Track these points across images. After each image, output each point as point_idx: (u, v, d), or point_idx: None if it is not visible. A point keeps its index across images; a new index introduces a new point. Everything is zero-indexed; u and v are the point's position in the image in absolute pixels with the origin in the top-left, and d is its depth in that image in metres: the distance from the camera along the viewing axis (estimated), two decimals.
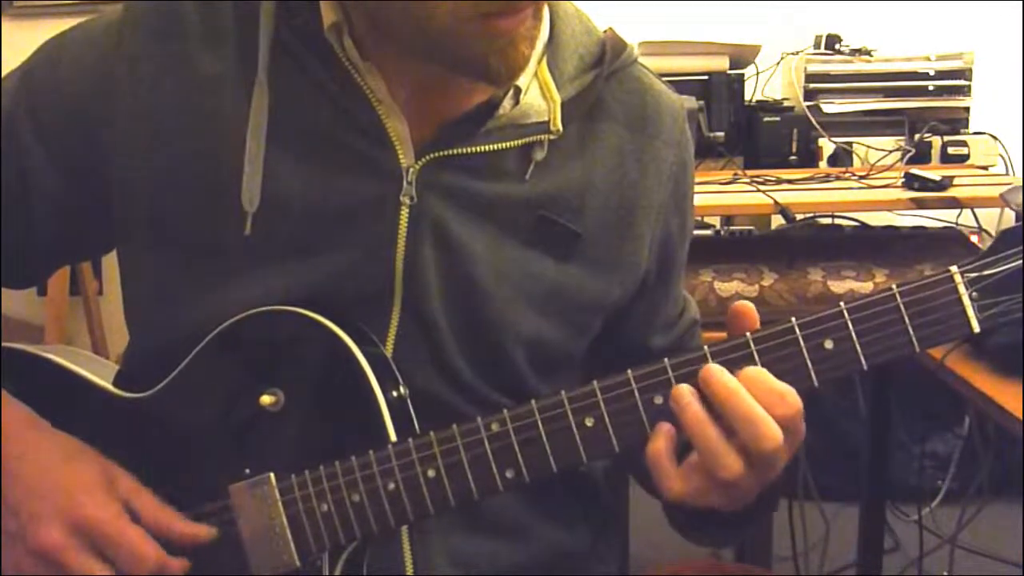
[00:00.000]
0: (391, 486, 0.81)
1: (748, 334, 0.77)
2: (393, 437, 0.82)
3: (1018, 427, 1.22)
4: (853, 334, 0.76)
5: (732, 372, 0.76)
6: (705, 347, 0.78)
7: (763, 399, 0.74)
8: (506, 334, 0.89)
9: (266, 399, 0.84)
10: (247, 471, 0.85)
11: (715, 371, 0.76)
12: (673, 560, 2.39)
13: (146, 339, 0.94)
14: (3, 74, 0.94)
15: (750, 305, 0.79)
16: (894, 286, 0.76)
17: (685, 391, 0.76)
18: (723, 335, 0.79)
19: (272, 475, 0.84)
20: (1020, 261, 0.74)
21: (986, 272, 0.75)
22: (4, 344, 0.94)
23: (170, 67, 0.85)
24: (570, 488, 0.96)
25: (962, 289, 0.75)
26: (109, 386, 0.92)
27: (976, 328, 0.75)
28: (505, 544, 0.93)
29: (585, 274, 0.91)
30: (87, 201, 0.89)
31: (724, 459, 0.75)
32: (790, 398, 0.75)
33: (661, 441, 0.77)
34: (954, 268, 0.75)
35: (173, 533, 0.85)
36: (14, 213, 0.90)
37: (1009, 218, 2.12)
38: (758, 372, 0.76)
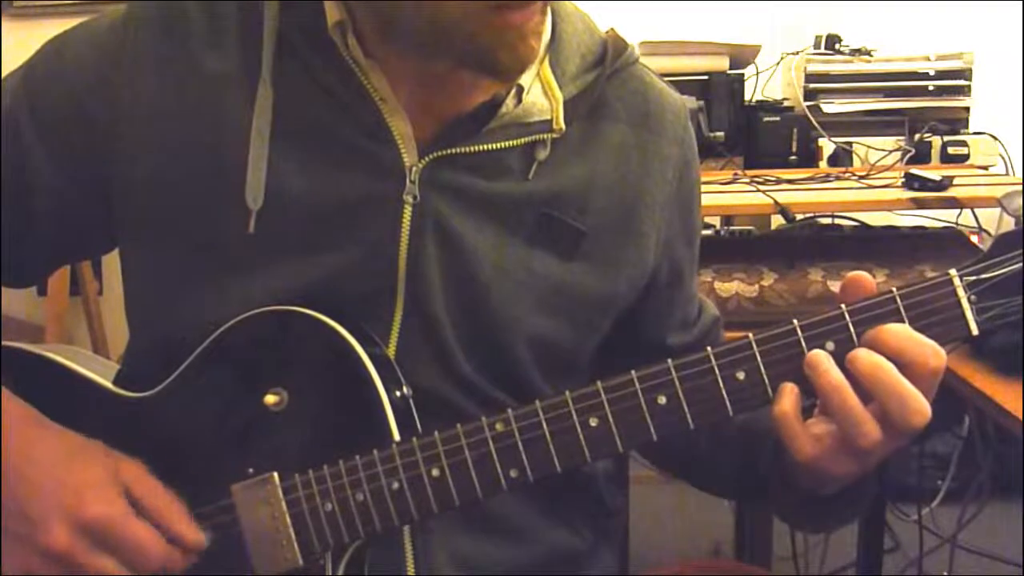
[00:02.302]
0: (395, 485, 0.81)
1: (750, 335, 0.77)
2: (397, 437, 0.82)
3: (1018, 427, 1.22)
4: (854, 336, 0.76)
5: (741, 371, 0.77)
6: (708, 349, 0.78)
7: (913, 351, 0.74)
8: (509, 333, 0.89)
9: (270, 399, 0.85)
10: (250, 471, 0.85)
11: (861, 352, 0.75)
12: (673, 560, 2.39)
13: (148, 338, 0.94)
14: (4, 74, 0.94)
15: (866, 275, 0.79)
16: (894, 289, 0.76)
17: (822, 357, 0.76)
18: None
19: (275, 474, 0.84)
20: (1018, 264, 0.75)
21: (984, 275, 0.75)
22: (4, 343, 0.94)
23: (173, 66, 0.86)
24: (571, 488, 0.96)
25: (961, 292, 0.75)
26: (110, 386, 0.92)
27: (975, 330, 0.75)
28: (506, 544, 0.93)
29: (590, 272, 0.91)
30: (89, 200, 0.89)
31: (863, 427, 0.74)
32: (939, 350, 0.75)
33: (787, 402, 0.77)
34: (953, 271, 0.76)
35: (169, 532, 0.84)
36: (15, 212, 0.90)
37: (1008, 219, 2.12)
38: (905, 328, 0.75)
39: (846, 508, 0.87)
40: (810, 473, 0.80)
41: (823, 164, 2.26)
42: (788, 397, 0.77)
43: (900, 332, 0.75)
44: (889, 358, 0.74)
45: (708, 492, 1.10)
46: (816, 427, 0.78)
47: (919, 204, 1.84)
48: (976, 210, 1.99)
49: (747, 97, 2.39)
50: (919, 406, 0.74)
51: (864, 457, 0.77)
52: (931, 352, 0.74)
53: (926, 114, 2.30)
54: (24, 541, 0.83)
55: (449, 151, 0.86)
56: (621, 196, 0.92)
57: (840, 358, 0.76)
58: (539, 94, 0.88)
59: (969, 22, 2.66)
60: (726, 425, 0.93)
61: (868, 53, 2.35)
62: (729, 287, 1.71)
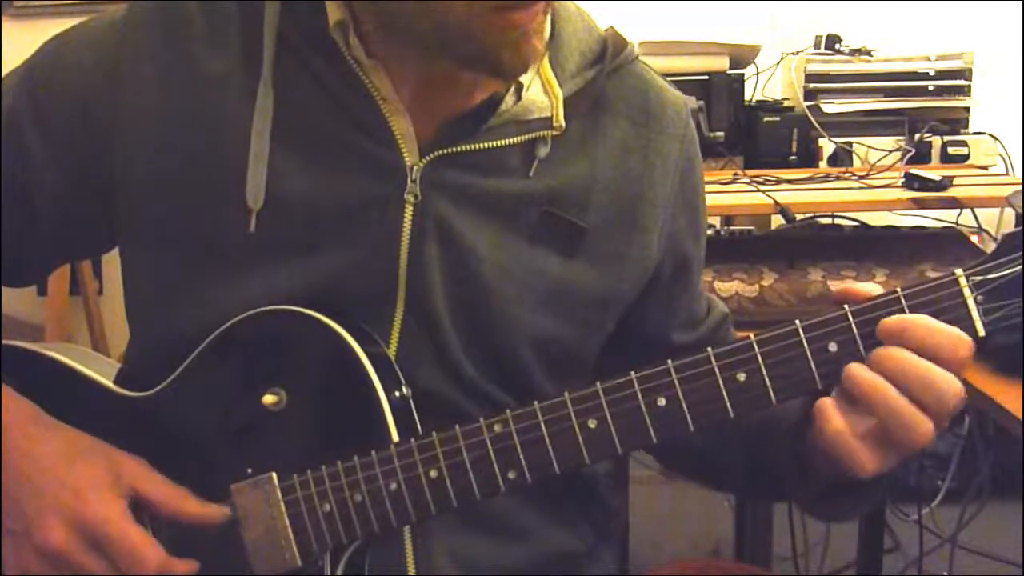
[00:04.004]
0: (393, 486, 0.81)
1: (752, 336, 0.77)
2: (396, 437, 0.82)
3: (1018, 427, 1.22)
4: (857, 337, 0.76)
5: (743, 373, 0.76)
6: (709, 350, 0.78)
7: (941, 342, 0.73)
8: (511, 332, 0.89)
9: (269, 399, 0.84)
10: (249, 471, 0.85)
11: (890, 350, 0.74)
12: (672, 560, 2.39)
13: (148, 338, 0.94)
14: (4, 73, 0.94)
15: (860, 287, 0.78)
16: (899, 289, 0.75)
17: (856, 366, 0.75)
18: None
19: (274, 475, 0.84)
20: (1023, 265, 0.74)
21: (990, 276, 0.74)
22: (4, 342, 0.94)
23: (174, 66, 0.85)
24: (571, 488, 0.96)
25: (967, 292, 0.75)
26: (111, 384, 0.92)
27: (981, 332, 0.75)
28: (506, 544, 0.93)
29: (591, 270, 0.91)
30: (89, 199, 0.89)
31: (911, 419, 0.73)
32: (964, 337, 0.74)
33: (839, 419, 0.75)
34: (959, 271, 0.75)
35: (183, 515, 0.85)
36: (15, 211, 0.90)
37: (1009, 218, 2.12)
38: (926, 318, 0.74)
39: (865, 496, 0.86)
40: (827, 462, 0.79)
41: (823, 164, 2.26)
42: (835, 415, 0.75)
43: (923, 323, 0.74)
44: (913, 350, 0.74)
45: (713, 488, 1.10)
46: (860, 427, 0.76)
47: (919, 204, 1.84)
48: (976, 210, 1.99)
49: (747, 97, 2.39)
50: (948, 383, 0.73)
51: (913, 451, 0.75)
52: (959, 341, 0.73)
53: (926, 114, 2.30)
54: (22, 539, 0.83)
55: (450, 150, 0.86)
56: (622, 193, 0.91)
57: (845, 358, 0.76)
58: (539, 91, 0.88)
59: (969, 22, 2.65)
60: (738, 423, 0.92)
61: (868, 53, 2.35)
62: (729, 287, 1.71)
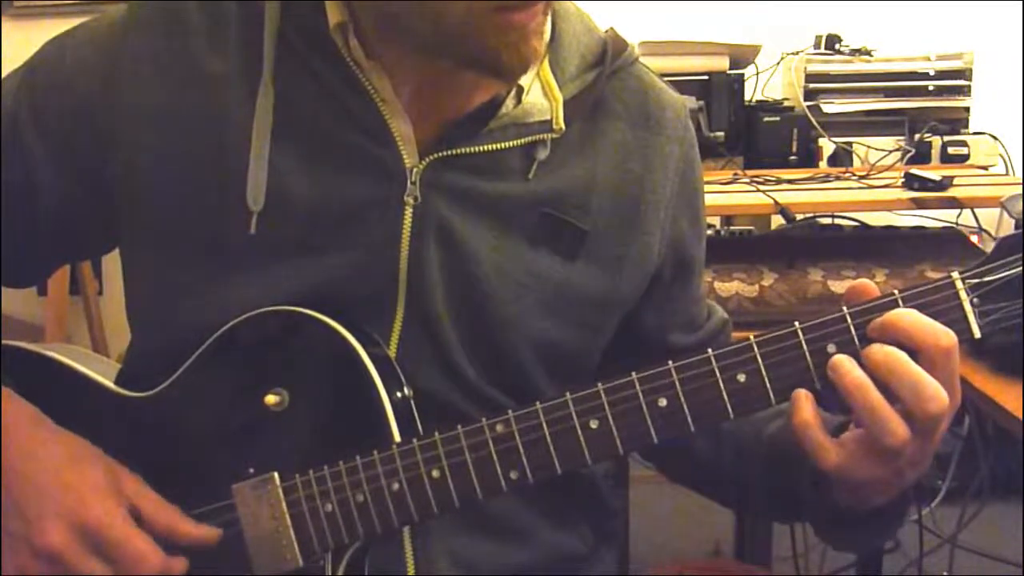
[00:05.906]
0: (395, 486, 0.81)
1: (752, 337, 0.77)
2: (397, 438, 0.82)
3: (1018, 427, 1.22)
4: (855, 339, 0.76)
5: (742, 373, 0.77)
6: (709, 351, 0.78)
7: (922, 332, 0.73)
8: (511, 334, 0.89)
9: (270, 399, 0.85)
10: (251, 471, 0.85)
11: (874, 346, 0.75)
12: (673, 560, 2.39)
13: (148, 338, 0.94)
14: (4, 74, 0.94)
15: (869, 283, 0.79)
16: (896, 291, 0.76)
17: (844, 359, 0.75)
18: None
19: (276, 475, 0.84)
20: (1019, 268, 0.75)
21: (986, 279, 0.75)
22: (5, 342, 0.94)
23: (174, 66, 0.86)
24: (571, 489, 0.96)
25: (963, 295, 0.75)
26: (111, 385, 0.92)
27: (977, 334, 0.75)
28: (506, 545, 0.93)
29: (592, 272, 0.91)
30: (90, 200, 0.90)
31: (889, 424, 0.73)
32: (948, 331, 0.74)
33: (806, 411, 0.76)
34: (955, 274, 0.75)
35: (177, 534, 0.85)
36: (16, 212, 0.90)
37: (1008, 218, 2.12)
38: (912, 312, 0.75)
39: (883, 527, 0.85)
40: (844, 486, 0.79)
41: (823, 164, 2.26)
42: (805, 405, 0.76)
43: (908, 315, 0.74)
44: (900, 343, 0.74)
45: (728, 506, 1.09)
46: (846, 434, 0.77)
47: (919, 204, 1.84)
48: (976, 210, 2.00)
49: (747, 97, 2.39)
50: (934, 391, 0.73)
51: (892, 459, 0.75)
52: (941, 332, 0.74)
53: (926, 114, 2.31)
54: (20, 541, 0.83)
55: (450, 152, 0.86)
56: (623, 195, 0.92)
57: None
58: (539, 94, 0.88)
59: (969, 22, 2.66)
60: (756, 443, 0.92)
61: (868, 53, 2.35)
62: (729, 287, 1.71)
